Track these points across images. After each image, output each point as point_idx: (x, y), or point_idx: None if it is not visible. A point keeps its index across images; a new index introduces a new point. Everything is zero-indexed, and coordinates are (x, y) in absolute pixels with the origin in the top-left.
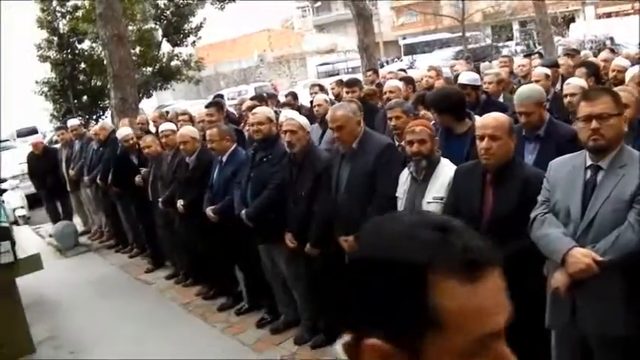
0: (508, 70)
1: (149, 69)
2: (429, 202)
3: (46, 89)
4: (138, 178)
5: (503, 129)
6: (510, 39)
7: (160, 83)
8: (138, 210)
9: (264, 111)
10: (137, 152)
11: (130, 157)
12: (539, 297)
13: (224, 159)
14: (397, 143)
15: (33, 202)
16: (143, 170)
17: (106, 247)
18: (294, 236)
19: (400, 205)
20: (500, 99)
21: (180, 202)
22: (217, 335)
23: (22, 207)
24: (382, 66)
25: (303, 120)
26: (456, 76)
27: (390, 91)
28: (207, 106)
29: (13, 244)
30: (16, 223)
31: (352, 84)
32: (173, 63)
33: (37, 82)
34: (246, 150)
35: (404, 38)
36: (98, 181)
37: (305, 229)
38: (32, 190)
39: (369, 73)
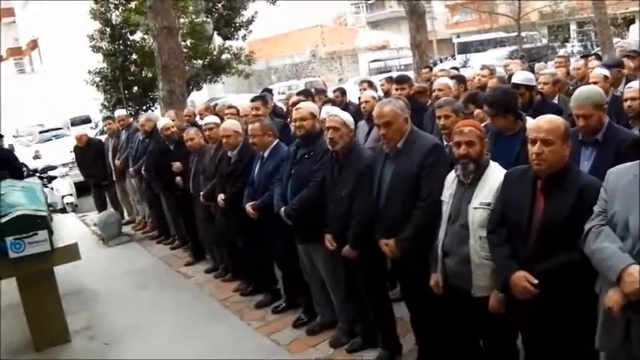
0: (564, 71)
1: (200, 62)
2: (475, 208)
3: (97, 79)
4: (176, 168)
5: (557, 133)
6: (567, 40)
7: (210, 76)
8: (178, 203)
9: (307, 106)
10: (175, 143)
11: (170, 149)
12: (589, 316)
13: (265, 154)
14: (445, 143)
15: (82, 189)
16: (175, 165)
17: (148, 238)
18: (334, 237)
19: (445, 210)
20: (555, 100)
21: (220, 197)
22: (252, 334)
23: (71, 194)
24: (435, 64)
25: (346, 116)
26: (510, 76)
27: (439, 89)
28: (252, 100)
29: (51, 233)
30: (64, 210)
31: (402, 81)
32: (223, 56)
33: (89, 72)
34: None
35: (458, 37)
36: (142, 172)
37: (345, 230)
38: (81, 178)
39: (424, 70)
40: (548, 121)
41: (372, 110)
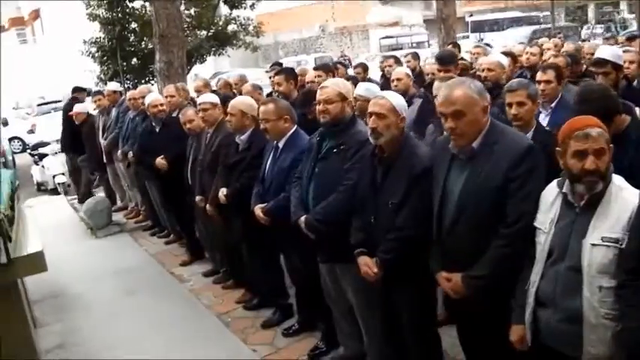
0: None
1: (204, 32)
2: (593, 245)
3: (93, 50)
4: (159, 160)
5: None
6: (586, 21)
7: (215, 48)
8: (166, 193)
9: (335, 85)
10: (162, 124)
11: (156, 130)
12: None
13: (280, 145)
14: None
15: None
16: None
17: (141, 229)
18: (375, 262)
19: (543, 242)
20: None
21: (222, 192)
22: None
23: (63, 173)
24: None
25: (396, 100)
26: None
27: (489, 69)
28: (277, 73)
29: (8, 239)
30: (55, 190)
31: (447, 61)
32: (230, 27)
33: (84, 42)
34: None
35: (471, 15)
36: (129, 155)
37: (391, 251)
38: None
39: (449, 47)
40: None
41: (406, 90)
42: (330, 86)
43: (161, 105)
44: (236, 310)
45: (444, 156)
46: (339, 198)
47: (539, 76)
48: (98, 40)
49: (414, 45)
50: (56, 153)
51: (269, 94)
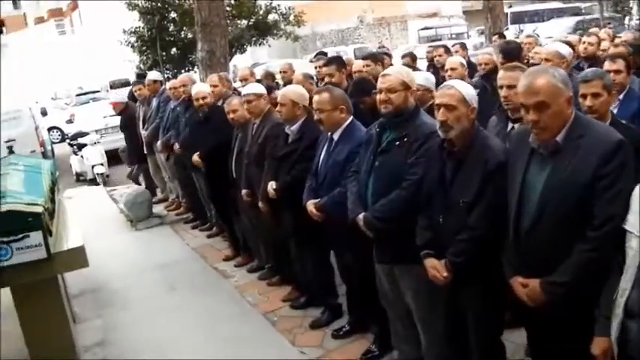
0: None
1: (244, 22)
2: None
3: (133, 39)
4: (195, 158)
5: None
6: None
7: (255, 38)
8: (211, 186)
9: (398, 73)
10: (206, 115)
11: (201, 120)
12: None
13: (335, 137)
14: None
15: (112, 158)
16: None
17: (182, 221)
18: (445, 264)
19: (636, 246)
20: None
21: (271, 185)
22: None
23: (102, 164)
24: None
25: (466, 89)
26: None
27: (547, 59)
28: (328, 63)
29: (49, 233)
30: (94, 181)
31: (513, 54)
32: (270, 16)
33: (124, 32)
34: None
35: (510, 6)
36: (175, 147)
37: (462, 253)
38: (114, 145)
39: (494, 37)
40: None
41: (461, 79)
42: (393, 74)
43: (205, 98)
44: (282, 309)
45: (522, 150)
46: (402, 195)
47: (607, 65)
48: (137, 29)
49: (454, 36)
50: (95, 143)
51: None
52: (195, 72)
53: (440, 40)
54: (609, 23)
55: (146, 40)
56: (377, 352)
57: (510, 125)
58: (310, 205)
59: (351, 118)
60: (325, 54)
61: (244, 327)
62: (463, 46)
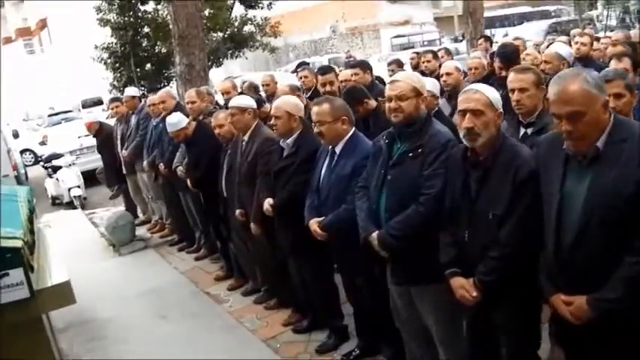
0: None
1: (219, 34)
2: None
3: (105, 56)
4: (180, 170)
5: None
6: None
7: (232, 50)
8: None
9: (409, 80)
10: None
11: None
12: None
13: (337, 150)
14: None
15: (90, 179)
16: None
17: (167, 244)
18: (473, 283)
19: None
20: None
21: (268, 202)
22: None
23: (78, 186)
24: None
25: (492, 93)
26: None
27: (546, 61)
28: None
29: (30, 269)
30: (71, 204)
31: (511, 57)
32: (246, 28)
33: (95, 47)
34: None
35: None
36: (161, 166)
37: (493, 272)
38: (90, 166)
39: (480, 41)
40: None
41: (456, 85)
42: (403, 80)
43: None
44: (284, 334)
45: (555, 157)
46: (420, 210)
47: (614, 64)
48: (110, 45)
49: (426, 43)
50: (70, 165)
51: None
52: (172, 87)
53: (413, 47)
54: (589, 23)
55: (119, 57)
56: None
57: (522, 130)
58: (314, 224)
59: (353, 129)
60: (307, 64)
61: (245, 356)
62: (447, 52)
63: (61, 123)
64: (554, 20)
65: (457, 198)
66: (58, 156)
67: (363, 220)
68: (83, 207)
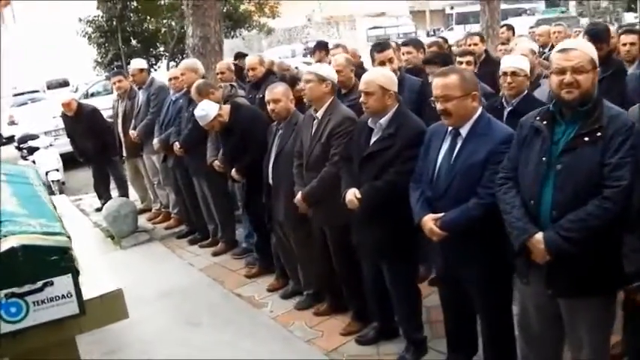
0: None
1: None
2: None
3: (90, 30)
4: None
5: None
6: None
7: (228, 30)
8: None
9: (586, 47)
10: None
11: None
12: None
13: (463, 132)
14: None
15: (67, 162)
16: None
17: (174, 236)
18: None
19: None
20: None
21: (355, 194)
22: None
23: (57, 170)
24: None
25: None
26: None
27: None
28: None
29: (77, 274)
30: (50, 189)
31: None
32: (242, 7)
33: (80, 20)
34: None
35: (452, 8)
36: (176, 145)
37: None
38: (68, 148)
39: (502, 30)
40: None
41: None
42: (580, 49)
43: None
44: (346, 345)
45: None
46: (606, 206)
47: (623, 38)
48: (95, 19)
49: (401, 35)
50: (48, 146)
51: None
52: (159, 66)
53: (388, 39)
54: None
55: (105, 31)
56: None
57: None
58: (429, 222)
59: (481, 109)
60: (326, 44)
61: None
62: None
63: (27, 103)
64: (539, 17)
65: None
66: (34, 137)
67: (517, 218)
68: (61, 192)
